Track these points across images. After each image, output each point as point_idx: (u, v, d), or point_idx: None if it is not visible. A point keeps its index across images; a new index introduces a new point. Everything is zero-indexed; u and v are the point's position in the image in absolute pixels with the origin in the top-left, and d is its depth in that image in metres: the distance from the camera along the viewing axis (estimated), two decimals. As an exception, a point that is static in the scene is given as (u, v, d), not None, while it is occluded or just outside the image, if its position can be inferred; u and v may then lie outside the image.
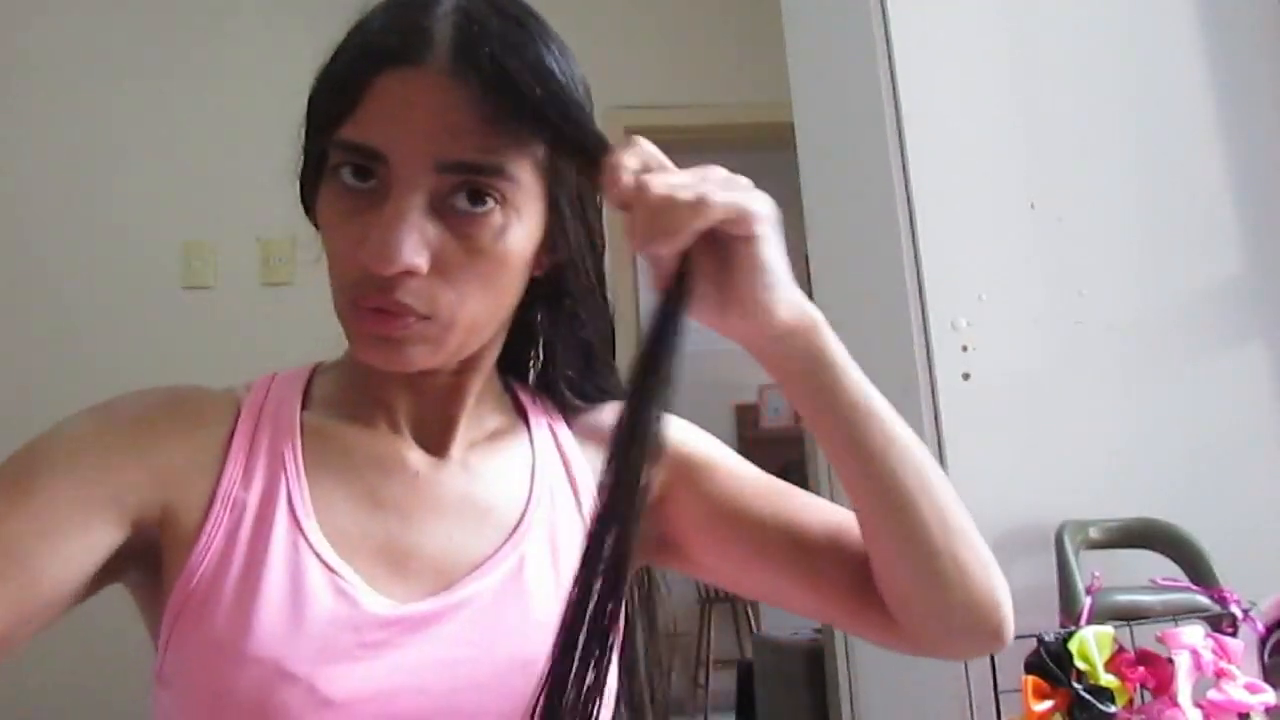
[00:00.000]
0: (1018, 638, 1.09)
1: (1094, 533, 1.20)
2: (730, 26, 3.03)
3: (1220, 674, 1.07)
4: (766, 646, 3.92)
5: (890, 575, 0.62)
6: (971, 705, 1.17)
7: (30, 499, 0.56)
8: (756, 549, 0.68)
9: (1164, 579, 1.17)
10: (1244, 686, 1.07)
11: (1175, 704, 1.04)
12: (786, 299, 0.55)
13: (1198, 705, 1.05)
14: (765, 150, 3.28)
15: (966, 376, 1.28)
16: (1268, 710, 1.08)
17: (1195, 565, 1.18)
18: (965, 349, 1.29)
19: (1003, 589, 0.63)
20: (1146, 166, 1.39)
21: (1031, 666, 1.06)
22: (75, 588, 0.57)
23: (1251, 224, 1.38)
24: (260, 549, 0.59)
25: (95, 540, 0.57)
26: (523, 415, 0.72)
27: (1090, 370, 1.31)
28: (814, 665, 3.22)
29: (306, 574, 0.59)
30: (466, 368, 0.66)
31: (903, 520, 0.60)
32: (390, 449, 0.66)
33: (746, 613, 5.44)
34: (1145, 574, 1.18)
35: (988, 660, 1.10)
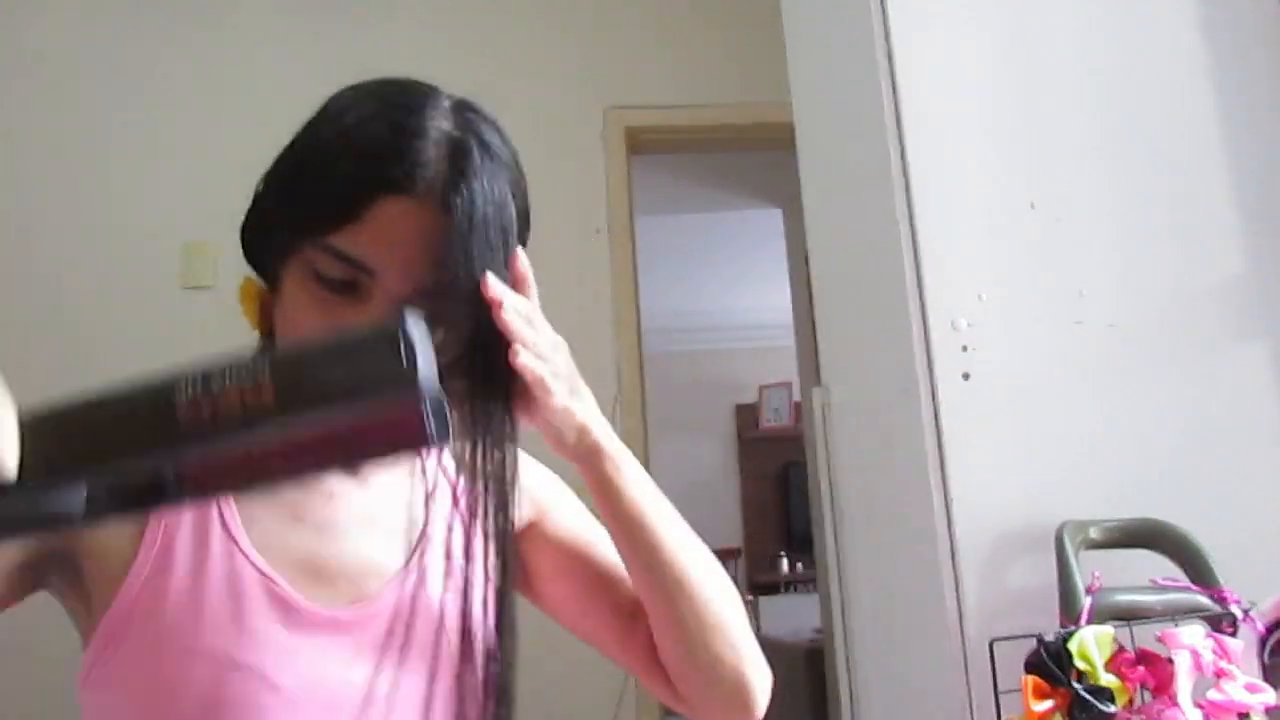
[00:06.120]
0: (1019, 638, 1.10)
1: (1094, 533, 1.20)
2: (730, 26, 3.03)
3: (1220, 674, 1.07)
4: (766, 646, 3.92)
5: (661, 651, 0.74)
6: (972, 705, 1.17)
7: None
8: (587, 592, 0.79)
9: (1164, 579, 1.17)
10: (1244, 686, 1.07)
11: (1175, 704, 1.04)
12: (571, 438, 0.67)
13: (1198, 705, 1.05)
14: (765, 150, 3.28)
15: (966, 376, 1.28)
16: (1268, 710, 1.08)
17: (1195, 565, 1.18)
18: (965, 349, 1.29)
19: (755, 674, 0.74)
20: (1147, 167, 1.39)
21: (1031, 666, 1.06)
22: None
23: (1252, 224, 1.38)
24: (200, 558, 0.68)
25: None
26: None
27: (1090, 370, 1.31)
28: (814, 665, 3.23)
29: (243, 578, 0.68)
30: None
31: (665, 612, 0.71)
32: None
33: (746, 613, 5.44)
34: (1145, 574, 1.18)
35: (988, 660, 1.11)
